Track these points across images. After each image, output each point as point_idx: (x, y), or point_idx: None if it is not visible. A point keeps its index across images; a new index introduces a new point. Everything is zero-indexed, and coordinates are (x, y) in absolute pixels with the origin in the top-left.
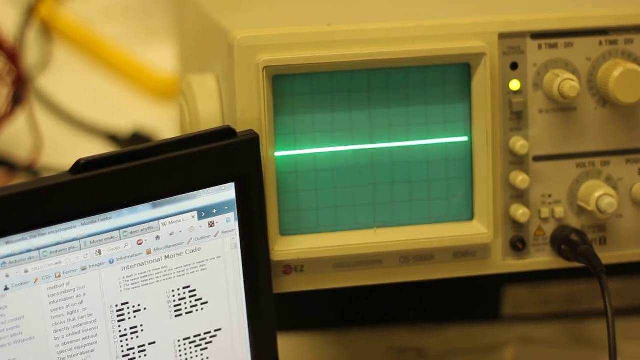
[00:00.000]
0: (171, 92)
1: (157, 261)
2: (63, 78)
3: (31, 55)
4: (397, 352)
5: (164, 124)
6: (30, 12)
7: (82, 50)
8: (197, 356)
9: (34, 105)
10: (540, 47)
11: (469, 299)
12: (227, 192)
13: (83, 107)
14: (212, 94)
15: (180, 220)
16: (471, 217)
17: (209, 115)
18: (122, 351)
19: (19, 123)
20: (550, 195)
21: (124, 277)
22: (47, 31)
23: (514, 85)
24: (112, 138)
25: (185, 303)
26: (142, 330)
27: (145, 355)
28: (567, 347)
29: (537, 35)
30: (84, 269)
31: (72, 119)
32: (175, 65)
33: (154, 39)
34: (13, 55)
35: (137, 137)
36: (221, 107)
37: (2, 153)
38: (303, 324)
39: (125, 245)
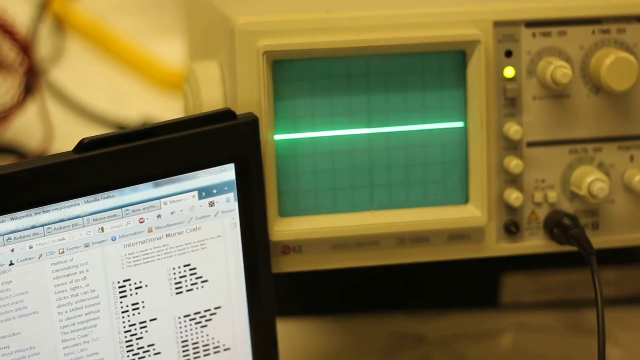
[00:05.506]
0: (180, 85)
1: (158, 239)
2: (75, 70)
3: (44, 48)
4: (397, 338)
5: (172, 115)
6: (43, 7)
7: (93, 43)
8: (197, 333)
9: (45, 96)
10: (534, 35)
11: (468, 286)
12: (227, 173)
13: (94, 99)
14: (215, 81)
15: (181, 200)
16: (466, 201)
17: (211, 101)
18: (124, 327)
19: (31, 113)
20: (543, 181)
21: (126, 255)
22: (60, 25)
23: (509, 72)
24: (122, 129)
25: (186, 281)
26: (143, 307)
27: (146, 332)
28: (564, 334)
29: (531, 24)
30: (87, 245)
31: (83, 110)
32: (184, 57)
33: (165, 33)
34: (26, 47)
35: None
36: (224, 93)
37: (13, 142)
38: (303, 310)
39: (128, 224)
